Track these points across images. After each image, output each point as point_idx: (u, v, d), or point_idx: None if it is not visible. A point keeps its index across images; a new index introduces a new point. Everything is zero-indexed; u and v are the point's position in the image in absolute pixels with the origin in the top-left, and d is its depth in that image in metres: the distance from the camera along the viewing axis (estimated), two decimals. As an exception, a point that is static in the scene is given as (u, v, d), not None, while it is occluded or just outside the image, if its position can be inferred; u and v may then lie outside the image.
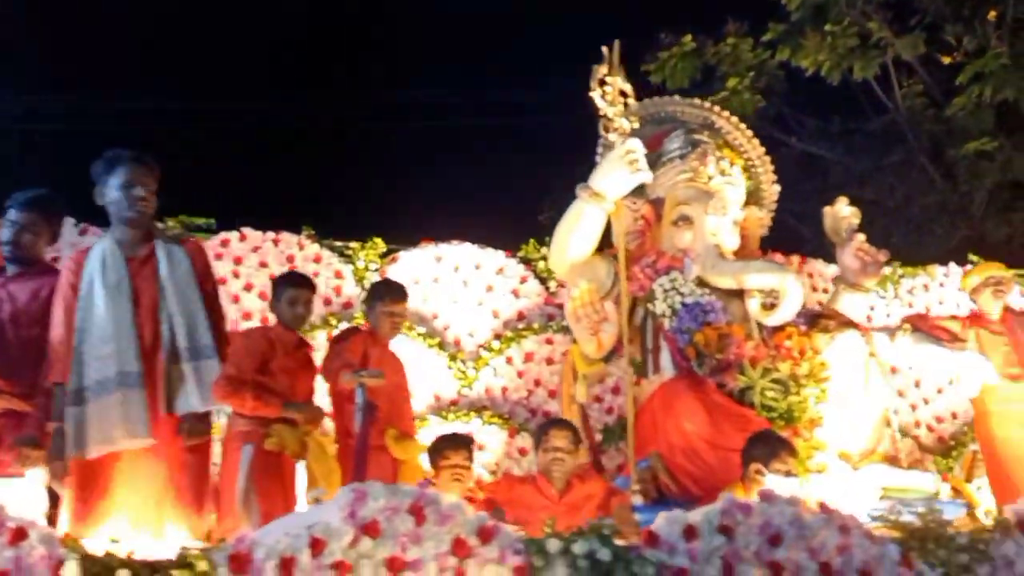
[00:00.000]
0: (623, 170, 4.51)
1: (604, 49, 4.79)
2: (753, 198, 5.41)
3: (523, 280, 5.90)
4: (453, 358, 5.55)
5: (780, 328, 4.43)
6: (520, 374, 5.65)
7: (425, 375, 5.44)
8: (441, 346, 5.56)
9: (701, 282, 4.66)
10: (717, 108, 5.69)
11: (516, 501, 3.68)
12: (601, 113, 4.73)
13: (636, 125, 4.88)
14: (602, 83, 4.77)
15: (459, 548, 2.59)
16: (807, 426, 4.03)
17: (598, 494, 3.83)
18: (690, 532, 2.78)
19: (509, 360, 5.64)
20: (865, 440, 4.28)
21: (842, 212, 5.13)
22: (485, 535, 2.63)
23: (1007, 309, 4.85)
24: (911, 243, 9.39)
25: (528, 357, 5.67)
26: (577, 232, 4.66)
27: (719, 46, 10.24)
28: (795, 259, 6.04)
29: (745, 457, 3.63)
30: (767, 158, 5.64)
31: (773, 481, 3.57)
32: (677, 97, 5.75)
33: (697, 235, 4.79)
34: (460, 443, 3.93)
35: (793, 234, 10.77)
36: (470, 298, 5.80)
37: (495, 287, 5.89)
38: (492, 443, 5.31)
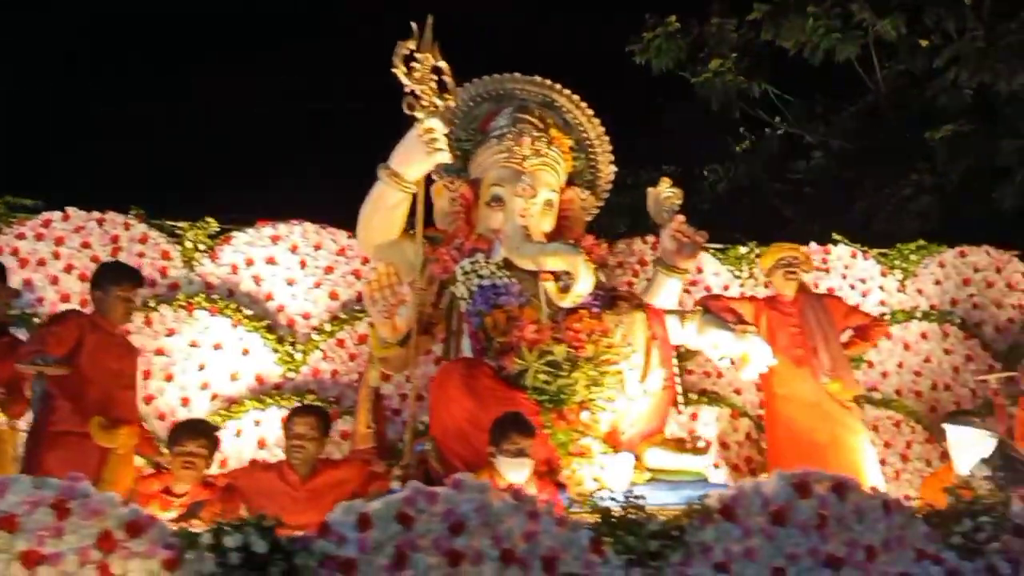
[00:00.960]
0: (420, 150, 4.40)
1: (413, 24, 4.67)
2: (584, 179, 5.33)
3: (365, 261, 5.79)
4: (280, 341, 5.45)
5: (574, 311, 4.36)
6: (352, 356, 5.57)
7: (249, 359, 5.36)
8: (269, 329, 5.46)
9: (508, 264, 4.59)
10: (558, 86, 5.59)
11: (257, 488, 3.62)
12: (407, 90, 4.61)
13: (452, 103, 4.78)
14: (411, 59, 4.66)
15: (104, 542, 2.52)
16: (574, 409, 3.97)
17: (353, 480, 3.77)
18: (364, 521, 2.72)
19: (341, 343, 5.55)
20: (646, 423, 4.24)
21: (664, 193, 5.06)
22: (134, 529, 2.56)
23: (802, 290, 4.79)
24: (892, 224, 9.40)
25: (362, 339, 5.58)
26: (377, 214, 4.56)
27: (704, 27, 10.20)
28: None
29: (489, 440, 3.58)
30: (606, 139, 5.56)
31: (503, 463, 3.53)
32: (517, 75, 5.61)
33: (507, 216, 4.70)
34: (197, 431, 3.85)
35: (775, 214, 10.77)
36: (307, 280, 5.70)
37: (336, 268, 5.80)
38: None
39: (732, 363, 4.41)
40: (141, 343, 5.19)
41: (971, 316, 6.75)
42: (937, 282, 6.78)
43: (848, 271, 6.68)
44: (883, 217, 9.93)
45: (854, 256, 6.73)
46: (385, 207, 4.52)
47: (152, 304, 5.36)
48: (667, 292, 4.88)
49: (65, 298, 5.35)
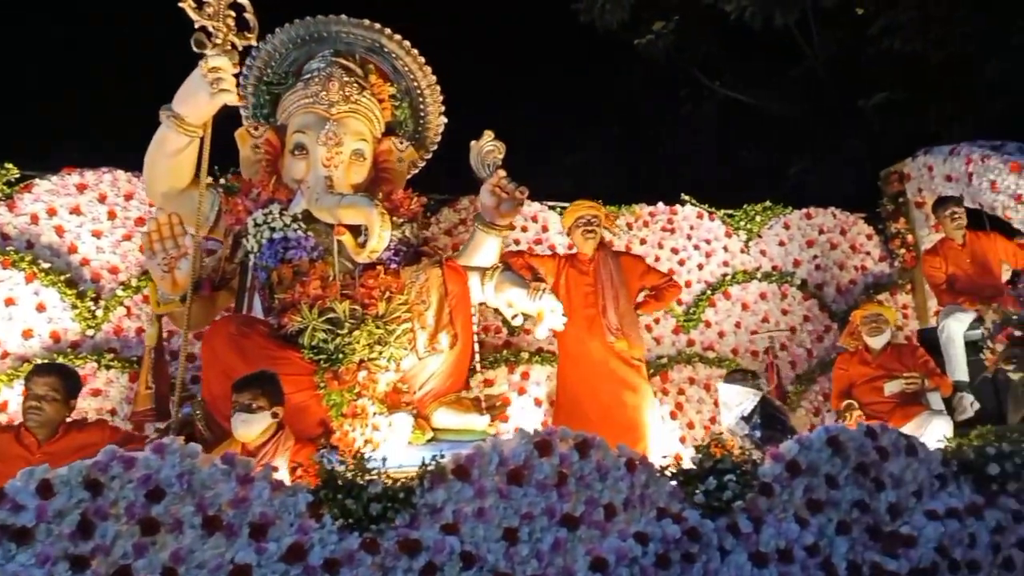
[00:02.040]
0: (204, 91, 4.11)
1: (206, -43, 4.34)
2: (406, 130, 5.12)
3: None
4: (81, 296, 5.12)
5: (371, 266, 4.17)
6: (164, 314, 5.28)
7: (45, 315, 5.03)
8: (69, 284, 5.12)
9: (309, 217, 4.36)
10: (388, 31, 5.32)
11: (-4, 450, 3.37)
12: (197, 26, 4.29)
13: (252, 41, 4.47)
14: (204, -7, 4.34)
15: None
16: (351, 369, 3.80)
17: (100, 443, 3.52)
18: (45, 488, 2.51)
19: (147, 299, 5.24)
20: (439, 383, 4.11)
21: (486, 146, 4.88)
22: None
23: (601, 249, 4.71)
24: (828, 189, 9.45)
25: (174, 295, 5.27)
26: (162, 160, 4.26)
27: None
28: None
29: None
30: (437, 88, 5.33)
31: (235, 419, 3.36)
32: (344, 17, 5.31)
33: (310, 165, 4.46)
34: None
35: (711, 175, 10.70)
36: (116, 232, 5.36)
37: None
38: (112, 389, 4.95)
39: (525, 320, 4.31)
40: (-75, 297, 4.83)
41: (813, 277, 6.85)
42: (781, 243, 6.85)
43: (693, 231, 6.69)
44: (817, 183, 10.03)
45: (700, 217, 6.73)
46: (169, 152, 4.22)
47: (-57, 258, 4.96)
48: (485, 250, 4.73)
49: None
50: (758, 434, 3.79)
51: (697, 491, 3.08)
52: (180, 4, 4.25)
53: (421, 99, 5.31)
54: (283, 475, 3.24)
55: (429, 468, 2.86)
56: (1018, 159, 5.61)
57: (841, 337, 5.64)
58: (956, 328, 5.19)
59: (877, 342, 5.20)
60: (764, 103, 11.06)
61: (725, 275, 6.60)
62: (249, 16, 4.55)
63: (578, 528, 2.94)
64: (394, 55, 5.29)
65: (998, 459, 3.47)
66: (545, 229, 6.33)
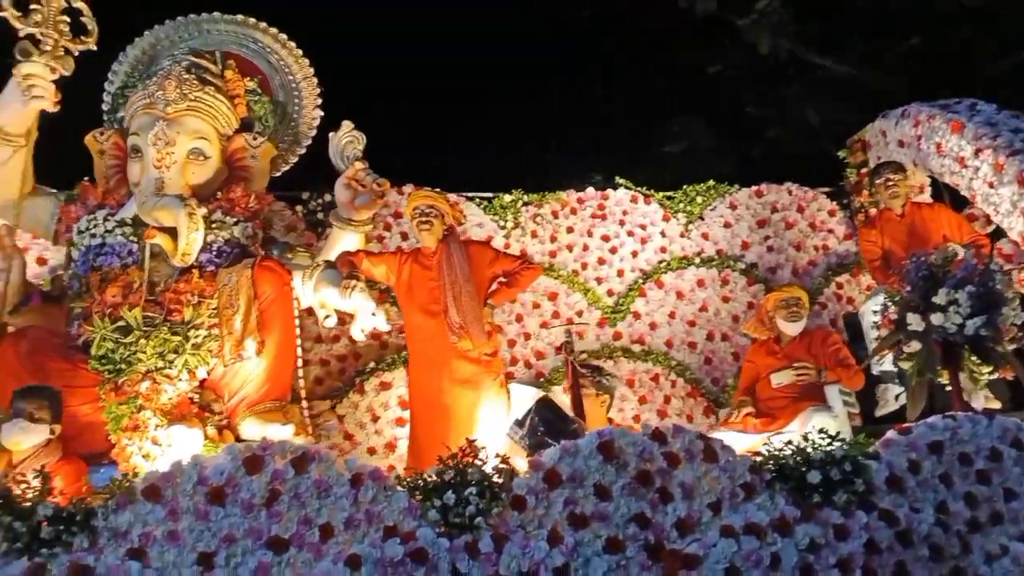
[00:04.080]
0: (19, 99, 4.04)
1: (35, -38, 4.28)
2: (267, 125, 4.93)
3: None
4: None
5: (188, 270, 4.01)
6: None
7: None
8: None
9: (139, 221, 4.22)
10: (262, 25, 5.20)
11: None
12: (22, 34, 4.23)
13: (90, 45, 4.41)
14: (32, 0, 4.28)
15: None
16: (134, 380, 3.63)
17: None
18: None
19: None
20: (253, 390, 3.89)
21: (344, 138, 4.65)
22: None
23: (445, 241, 4.36)
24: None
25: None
26: (-15, 171, 4.21)
27: None
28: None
29: None
30: (313, 80, 5.17)
31: (11, 425, 3.25)
32: (216, 14, 5.21)
33: (143, 167, 4.33)
34: None
35: (817, 154, 10.18)
36: None
37: None
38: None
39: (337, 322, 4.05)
40: None
41: (765, 260, 6.30)
42: (726, 225, 6.33)
43: (627, 217, 6.26)
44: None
45: (635, 200, 6.30)
46: (-9, 162, 4.16)
47: None
48: (344, 247, 4.50)
49: None
50: (527, 440, 3.41)
51: (434, 507, 2.76)
52: (1, 13, 4.20)
53: (296, 92, 5.13)
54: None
55: (117, 487, 2.65)
56: (959, 118, 4.95)
57: (745, 323, 5.14)
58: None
59: (794, 329, 4.68)
60: (869, 79, 10.40)
61: (661, 262, 6.15)
62: (87, 20, 4.48)
63: (287, 551, 2.67)
64: (268, 48, 5.15)
65: (823, 465, 3.00)
66: (461, 221, 6.04)
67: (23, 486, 2.58)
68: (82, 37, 4.43)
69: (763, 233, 6.35)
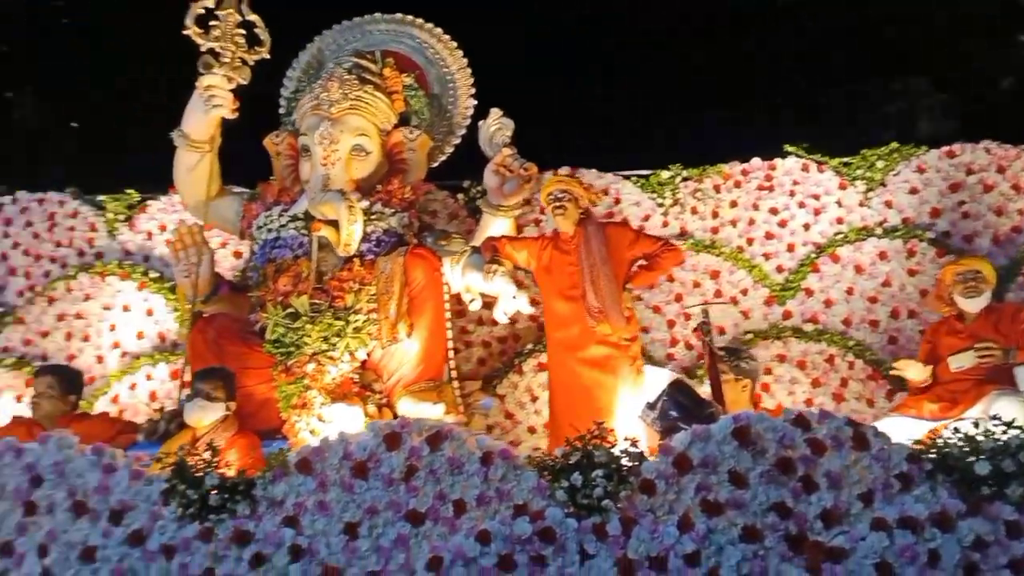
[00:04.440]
0: (201, 108, 4.50)
1: (213, -20, 4.73)
2: (424, 118, 5.14)
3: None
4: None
5: (349, 259, 4.28)
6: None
7: (153, 318, 5.79)
8: (173, 290, 5.79)
9: (310, 216, 4.56)
10: (418, 21, 5.44)
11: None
12: (203, 49, 4.69)
13: (264, 54, 4.82)
14: (211, 17, 4.73)
15: None
16: (301, 361, 3.92)
17: (100, 434, 4.01)
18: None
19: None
20: (409, 371, 4.09)
21: (492, 125, 4.75)
22: None
23: (583, 223, 4.27)
24: None
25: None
26: (180, 176, 4.73)
27: None
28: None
29: None
30: (467, 71, 5.33)
31: (192, 404, 3.63)
32: (377, 15, 5.51)
33: (312, 165, 4.67)
34: None
35: None
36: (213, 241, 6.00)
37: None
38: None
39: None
40: (63, 308, 5.82)
41: (960, 228, 5.70)
42: (913, 190, 5.79)
43: (798, 187, 5.90)
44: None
45: (806, 169, 5.92)
46: (184, 168, 4.68)
47: (72, 273, 5.94)
48: (493, 233, 4.62)
49: (12, 271, 6.09)
50: (659, 424, 3.27)
51: (561, 487, 2.79)
52: (185, 32, 4.67)
53: (451, 83, 5.31)
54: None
55: (274, 462, 2.91)
56: None
57: (926, 300, 4.65)
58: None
59: (973, 305, 4.22)
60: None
61: (838, 234, 5.75)
62: (260, 31, 4.88)
63: (423, 524, 2.81)
64: (424, 44, 5.36)
65: (994, 455, 2.69)
66: (617, 201, 5.97)
67: (196, 458, 2.89)
68: (256, 48, 4.84)
69: (956, 198, 5.73)
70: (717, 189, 5.93)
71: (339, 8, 5.58)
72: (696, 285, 5.62)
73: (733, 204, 5.88)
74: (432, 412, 3.85)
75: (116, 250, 6.13)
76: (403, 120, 5.05)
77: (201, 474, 2.85)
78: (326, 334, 3.97)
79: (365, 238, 4.31)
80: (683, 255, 4.39)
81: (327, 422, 3.77)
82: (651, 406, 3.27)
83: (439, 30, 5.41)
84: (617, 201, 5.96)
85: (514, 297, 3.96)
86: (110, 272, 5.92)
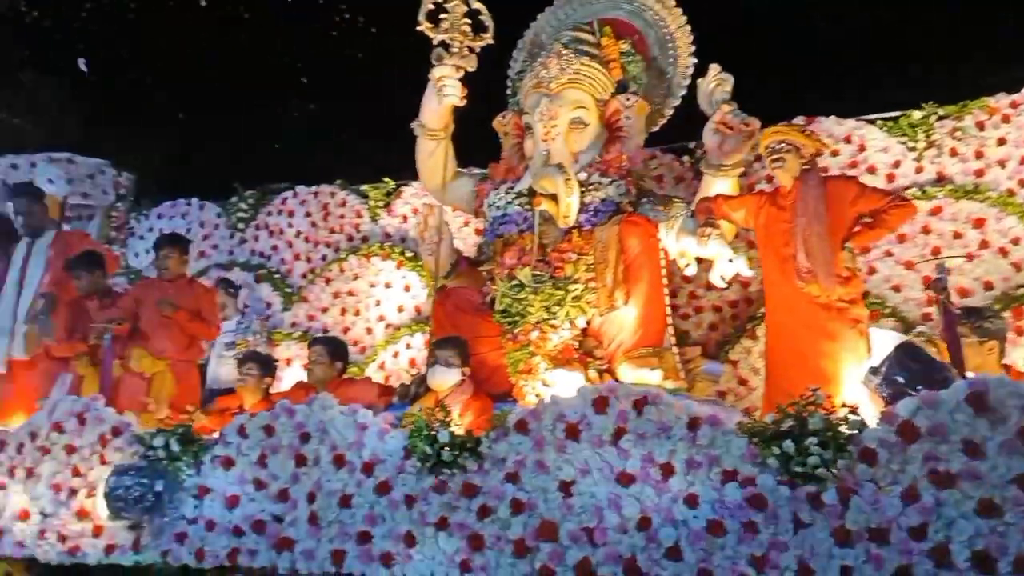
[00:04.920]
0: (434, 98, 4.86)
1: (441, -23, 5.07)
2: (641, 83, 5.12)
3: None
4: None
5: (569, 231, 4.43)
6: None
7: (410, 293, 6.39)
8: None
9: (532, 191, 4.77)
10: (637, -18, 5.42)
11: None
12: (435, 42, 5.04)
13: (488, 40, 5.07)
14: (440, 11, 5.07)
15: (102, 440, 3.81)
16: (526, 329, 4.11)
17: (364, 396, 4.50)
18: (241, 431, 3.56)
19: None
20: (628, 338, 4.14)
21: (711, 82, 4.62)
22: (115, 432, 3.80)
23: (803, 178, 3.89)
24: None
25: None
26: (421, 163, 5.13)
27: None
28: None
29: None
30: (686, 29, 5.23)
31: (433, 369, 3.99)
32: (597, -16, 5.56)
33: (534, 142, 4.87)
34: (249, 359, 4.86)
35: None
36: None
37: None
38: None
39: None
40: (337, 287, 6.64)
41: None
42: None
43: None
44: None
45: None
46: (424, 155, 5.07)
47: (343, 255, 6.73)
48: (714, 194, 4.53)
49: (296, 256, 7.03)
50: (885, 390, 2.93)
51: (773, 455, 2.72)
52: (419, 28, 5.04)
53: (671, 43, 5.24)
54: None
55: (496, 422, 3.15)
56: None
57: None
58: None
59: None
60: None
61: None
62: (484, 18, 5.14)
63: (632, 485, 2.89)
64: (643, 7, 5.33)
65: None
66: (862, 148, 5.54)
67: (432, 418, 3.22)
68: (481, 35, 5.11)
69: None
70: (980, 126, 5.29)
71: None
72: (957, 236, 5.07)
73: (1001, 142, 5.21)
74: (650, 377, 3.90)
75: (378, 233, 6.84)
76: (621, 87, 5.05)
77: (435, 432, 3.16)
78: (547, 303, 4.17)
79: (583, 209, 4.42)
80: (914, 209, 3.98)
81: (550, 386, 3.96)
82: (875, 371, 3.05)
83: (660, -12, 5.32)
84: (862, 148, 5.54)
85: (730, 260, 3.86)
86: (373, 253, 6.62)
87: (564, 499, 2.98)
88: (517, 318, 4.20)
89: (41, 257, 5.18)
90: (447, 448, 3.14)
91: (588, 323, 4.26)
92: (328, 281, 6.72)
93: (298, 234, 7.11)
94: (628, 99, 4.95)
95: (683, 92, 5.18)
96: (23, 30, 9.71)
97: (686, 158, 5.75)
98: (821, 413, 2.70)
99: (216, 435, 3.67)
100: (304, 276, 6.94)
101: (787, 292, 3.88)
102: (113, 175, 7.83)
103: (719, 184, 4.53)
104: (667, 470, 2.87)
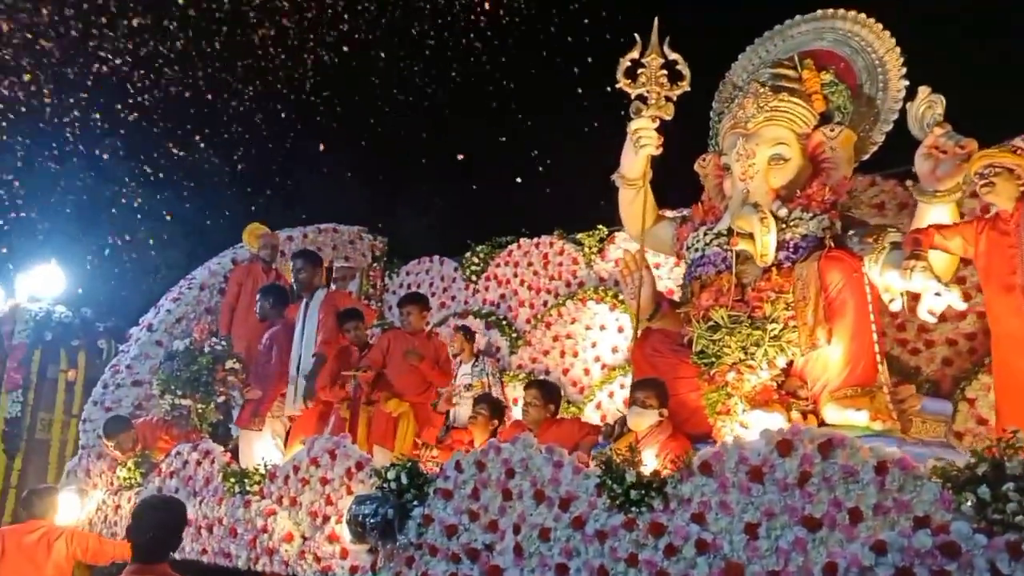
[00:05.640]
0: (631, 149, 5.09)
1: (636, 36, 5.34)
2: (847, 112, 4.97)
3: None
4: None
5: (768, 269, 4.40)
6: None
7: (623, 335, 6.59)
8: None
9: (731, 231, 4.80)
10: (840, 12, 5.33)
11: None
12: (633, 96, 5.28)
13: (684, 88, 5.23)
14: (637, 66, 5.32)
15: (348, 474, 4.41)
16: (723, 371, 4.08)
17: (572, 436, 4.74)
18: (457, 466, 3.97)
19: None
20: (834, 378, 3.98)
21: (921, 105, 4.41)
22: (359, 466, 4.38)
23: (1022, 200, 3.45)
24: None
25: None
26: (623, 210, 5.35)
27: None
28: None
29: None
30: (896, 52, 5.03)
31: (631, 411, 4.14)
32: (798, 17, 5.52)
33: (732, 183, 4.91)
34: (480, 400, 5.27)
35: None
36: (668, 262, 6.60)
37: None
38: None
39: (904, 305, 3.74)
40: (557, 331, 7.02)
41: None
42: None
43: None
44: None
45: None
46: (625, 204, 5.29)
47: (561, 300, 7.11)
48: (931, 222, 4.29)
49: (521, 303, 7.54)
50: None
51: (967, 501, 2.58)
52: (619, 86, 5.32)
53: (880, 68, 5.05)
54: (650, 460, 3.90)
55: (682, 463, 3.25)
56: None
57: None
58: None
59: None
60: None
61: None
62: (681, 67, 5.31)
63: (819, 530, 2.86)
64: (849, 34, 5.21)
65: None
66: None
67: (622, 458, 3.40)
68: (678, 83, 5.26)
69: None
70: None
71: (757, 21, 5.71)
72: None
73: None
74: (856, 418, 3.75)
75: (593, 278, 7.15)
76: (826, 119, 4.95)
77: (623, 471, 3.33)
78: (744, 344, 4.16)
79: (782, 246, 4.38)
80: None
81: (748, 428, 3.94)
82: None
83: (862, 15, 5.17)
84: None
85: (937, 294, 3.63)
86: (589, 297, 6.94)
87: (749, 541, 3.00)
88: (713, 359, 4.24)
89: (315, 313, 6.05)
90: (634, 487, 3.29)
91: (791, 363, 4.20)
92: (549, 325, 7.13)
93: (522, 282, 7.63)
94: (832, 130, 4.83)
95: (895, 117, 4.95)
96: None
97: (910, 183, 5.44)
98: (1021, 457, 2.52)
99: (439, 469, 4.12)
100: (528, 321, 7.41)
101: (1015, 325, 3.58)
102: (370, 240, 8.93)
103: (935, 212, 4.28)
104: (855, 515, 2.80)
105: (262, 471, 4.88)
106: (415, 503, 4.01)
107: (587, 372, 6.80)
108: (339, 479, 4.45)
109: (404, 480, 4.09)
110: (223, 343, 6.09)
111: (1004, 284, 3.67)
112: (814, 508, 2.90)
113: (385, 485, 4.13)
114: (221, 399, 5.99)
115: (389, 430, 5.35)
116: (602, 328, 6.79)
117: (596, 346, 6.80)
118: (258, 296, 6.26)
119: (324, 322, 5.91)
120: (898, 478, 2.75)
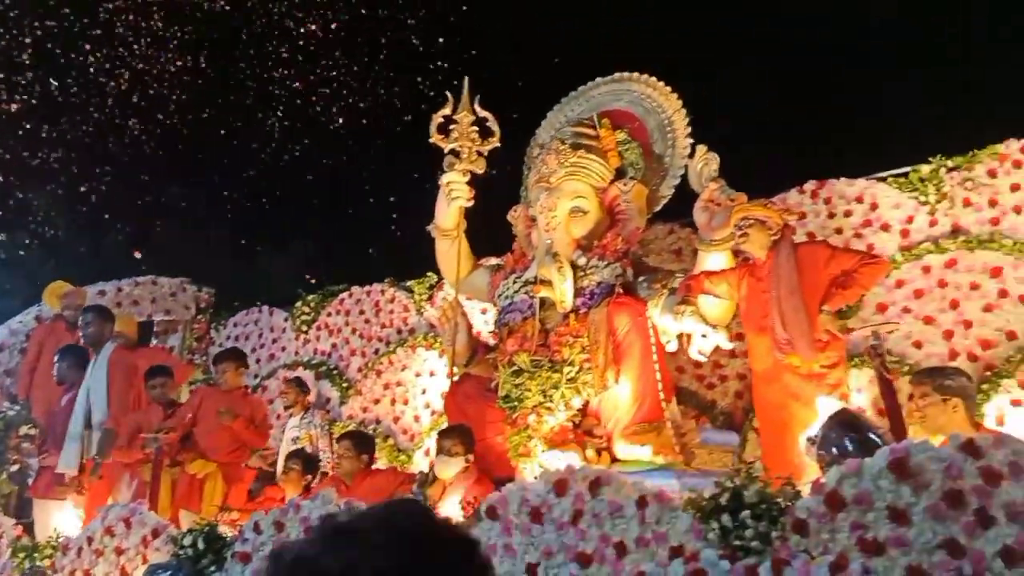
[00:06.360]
0: (444, 201, 5.25)
1: (448, 94, 5.54)
2: (639, 168, 5.35)
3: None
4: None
5: (567, 315, 4.64)
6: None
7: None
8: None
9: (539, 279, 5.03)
10: (634, 75, 5.74)
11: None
12: (446, 152, 5.46)
13: (495, 143, 5.46)
14: (450, 122, 5.50)
15: (144, 542, 4.22)
16: (524, 414, 4.29)
17: (388, 486, 4.79)
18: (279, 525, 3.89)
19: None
20: (624, 416, 4.25)
21: (698, 163, 4.82)
22: (155, 533, 4.20)
23: (776, 248, 3.93)
24: None
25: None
26: (440, 261, 5.51)
27: None
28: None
29: None
30: (682, 112, 5.47)
31: (438, 459, 4.23)
32: (599, 79, 5.91)
33: (538, 233, 5.16)
34: (292, 457, 5.25)
35: None
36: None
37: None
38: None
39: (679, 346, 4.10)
40: (387, 379, 7.02)
41: None
42: None
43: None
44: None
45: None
46: (441, 253, 5.45)
47: (392, 348, 7.13)
48: (708, 268, 4.67)
49: (352, 351, 7.49)
50: (826, 459, 2.89)
51: (713, 529, 2.81)
52: (431, 141, 5.48)
53: (669, 127, 5.47)
54: (454, 506, 3.99)
55: (474, 509, 3.35)
56: None
57: None
58: None
59: None
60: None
61: None
62: (491, 124, 5.54)
63: (590, 566, 3.02)
64: (642, 96, 5.62)
65: None
66: (874, 207, 5.54)
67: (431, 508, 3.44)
68: (489, 139, 5.49)
69: None
70: (992, 174, 5.23)
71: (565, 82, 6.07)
72: (974, 287, 4.99)
73: (1015, 188, 5.13)
74: (641, 453, 4.00)
75: (423, 325, 7.22)
76: (620, 174, 5.31)
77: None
78: (544, 387, 4.36)
79: (579, 293, 4.64)
80: (886, 268, 4.00)
81: (545, 468, 4.11)
82: (811, 440, 3.08)
83: (654, 79, 5.61)
84: (874, 207, 5.56)
85: (704, 336, 3.97)
86: (419, 344, 6.99)
87: (531, 581, 3.12)
88: (516, 403, 4.41)
89: (103, 366, 5.76)
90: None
91: (587, 403, 4.43)
92: (379, 373, 7.12)
93: (354, 331, 7.59)
94: (626, 184, 5.19)
95: (682, 172, 5.37)
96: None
97: (688, 230, 5.90)
98: (757, 485, 2.78)
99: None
100: (360, 370, 7.37)
101: (769, 364, 3.95)
102: (194, 291, 8.60)
103: (711, 259, 4.67)
104: (620, 549, 2.98)
105: (53, 544, 4.58)
106: (212, 568, 3.89)
107: (417, 419, 6.83)
108: (134, 548, 4.24)
109: (201, 545, 3.96)
110: (17, 407, 5.69)
111: (759, 326, 4.05)
112: (586, 544, 3.05)
113: (181, 551, 3.99)
114: (15, 468, 5.57)
115: (195, 492, 5.16)
116: (431, 374, 6.85)
117: (426, 392, 6.85)
118: (55, 357, 5.90)
119: (114, 386, 5.66)
120: (656, 511, 2.96)
